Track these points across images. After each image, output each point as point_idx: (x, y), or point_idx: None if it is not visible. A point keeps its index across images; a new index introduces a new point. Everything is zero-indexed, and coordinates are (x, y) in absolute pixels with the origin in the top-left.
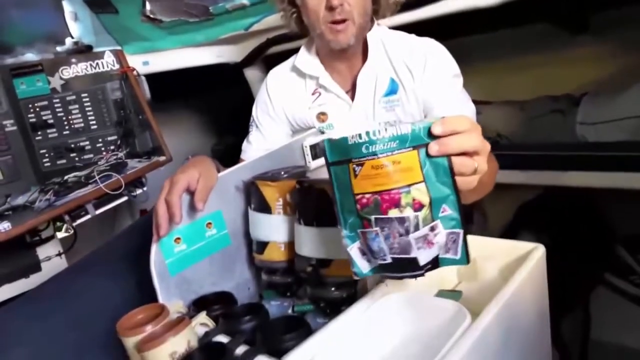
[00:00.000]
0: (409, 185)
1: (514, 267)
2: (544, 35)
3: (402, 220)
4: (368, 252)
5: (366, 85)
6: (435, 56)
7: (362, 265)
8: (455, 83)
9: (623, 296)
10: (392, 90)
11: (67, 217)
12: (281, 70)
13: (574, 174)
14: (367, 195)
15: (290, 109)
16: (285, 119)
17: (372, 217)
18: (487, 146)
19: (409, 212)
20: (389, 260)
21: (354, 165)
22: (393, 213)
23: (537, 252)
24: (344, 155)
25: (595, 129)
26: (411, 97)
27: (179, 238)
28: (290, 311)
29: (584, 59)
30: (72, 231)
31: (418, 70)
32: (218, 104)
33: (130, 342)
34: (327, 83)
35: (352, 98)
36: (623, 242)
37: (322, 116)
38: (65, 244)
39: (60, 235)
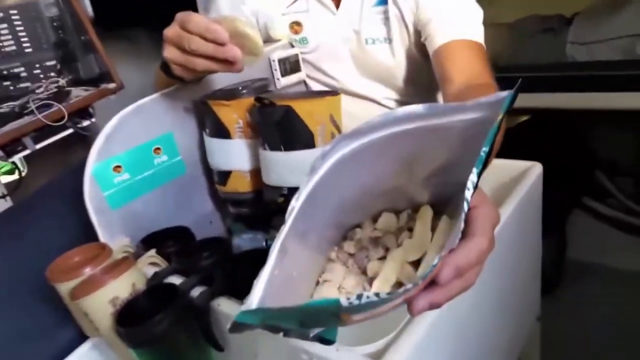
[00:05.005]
0: None
1: (509, 189)
2: None
3: None
4: None
5: None
6: None
7: None
8: None
9: (600, 219)
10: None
11: (0, 153)
12: None
13: (560, 95)
14: None
15: (263, 13)
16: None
17: None
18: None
19: None
20: None
21: None
22: None
23: (534, 171)
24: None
25: (587, 49)
26: (403, 6)
27: (119, 166)
28: (264, 245)
29: None
30: (17, 176)
31: None
32: None
33: (64, 288)
34: None
35: (337, 7)
36: (602, 166)
37: (295, 26)
38: (10, 186)
39: (5, 179)
